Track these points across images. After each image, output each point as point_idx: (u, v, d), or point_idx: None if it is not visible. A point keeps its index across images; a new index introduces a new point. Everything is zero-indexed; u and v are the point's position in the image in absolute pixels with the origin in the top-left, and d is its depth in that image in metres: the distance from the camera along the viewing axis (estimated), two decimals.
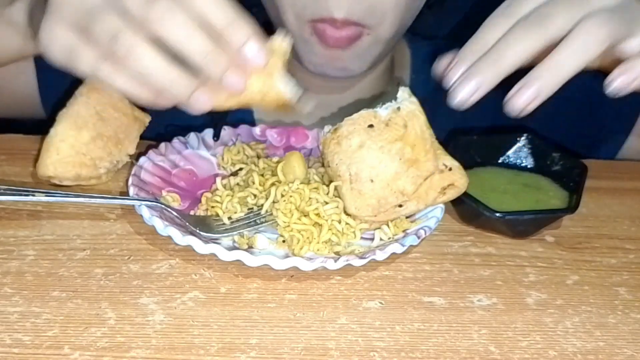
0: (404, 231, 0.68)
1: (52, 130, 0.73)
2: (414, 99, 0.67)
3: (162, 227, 0.64)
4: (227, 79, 0.57)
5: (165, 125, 0.86)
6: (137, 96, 0.58)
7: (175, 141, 0.80)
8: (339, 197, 0.68)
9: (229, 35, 0.56)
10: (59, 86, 0.80)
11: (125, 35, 0.54)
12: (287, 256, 0.64)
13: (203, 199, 0.72)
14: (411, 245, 0.66)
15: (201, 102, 0.58)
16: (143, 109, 0.78)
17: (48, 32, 0.58)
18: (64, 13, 0.57)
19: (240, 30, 0.56)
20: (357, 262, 0.63)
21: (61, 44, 0.58)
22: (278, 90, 0.61)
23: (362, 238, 0.68)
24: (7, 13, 0.71)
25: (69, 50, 0.58)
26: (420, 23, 1.00)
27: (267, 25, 0.79)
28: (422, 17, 0.97)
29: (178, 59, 0.56)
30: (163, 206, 0.68)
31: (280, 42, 0.60)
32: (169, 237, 0.64)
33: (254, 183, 0.70)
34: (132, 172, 0.73)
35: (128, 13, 0.54)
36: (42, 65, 0.90)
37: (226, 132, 0.83)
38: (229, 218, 0.69)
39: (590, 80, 0.61)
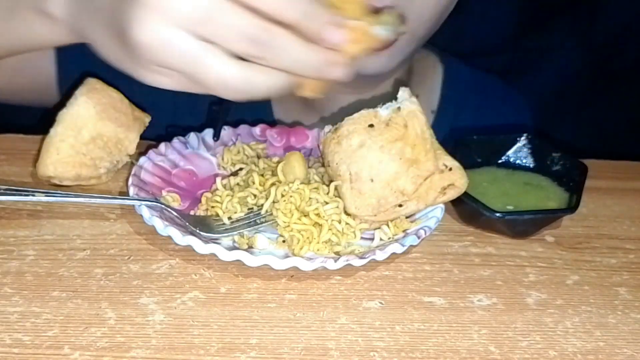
0: (404, 231, 0.68)
1: (52, 130, 0.73)
2: (414, 99, 0.67)
3: (162, 227, 0.64)
4: (328, 75, 0.57)
5: (166, 125, 0.86)
6: (283, 87, 0.57)
7: (175, 141, 0.80)
8: (339, 196, 0.68)
9: (304, 29, 0.55)
10: (77, 70, 0.79)
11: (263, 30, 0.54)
12: (287, 256, 0.64)
13: (203, 199, 0.72)
14: (411, 245, 0.66)
15: (337, 72, 0.58)
16: (143, 109, 0.78)
17: (150, 74, 0.58)
18: (158, 61, 0.56)
19: (314, 20, 0.55)
20: (357, 262, 0.63)
21: (173, 84, 0.58)
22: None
23: (362, 238, 0.68)
24: (43, 4, 0.65)
25: (185, 85, 0.57)
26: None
27: None
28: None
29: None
30: (163, 206, 0.68)
31: None
32: (169, 237, 0.64)
33: (254, 183, 0.70)
34: (132, 172, 0.73)
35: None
36: (62, 51, 0.89)
37: (226, 132, 0.83)
38: (229, 218, 0.69)
39: None
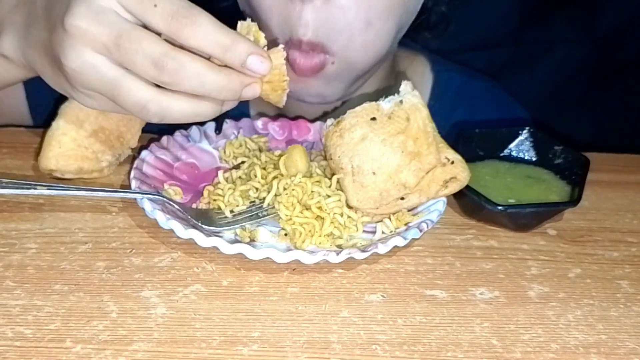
0: (406, 224, 0.68)
1: (54, 124, 0.73)
2: (416, 93, 0.67)
3: (164, 221, 0.64)
4: (245, 94, 0.62)
5: None
6: (202, 114, 0.62)
7: (177, 134, 0.80)
8: (341, 190, 0.68)
9: (230, 59, 0.59)
10: (49, 100, 0.80)
11: (168, 57, 0.58)
12: (289, 249, 0.64)
13: (205, 192, 0.72)
14: (413, 239, 0.66)
15: (253, 89, 0.62)
16: None
17: (83, 96, 0.63)
18: (86, 85, 0.61)
19: (237, 51, 0.59)
20: (359, 255, 0.63)
21: (102, 104, 0.63)
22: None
23: (364, 231, 0.68)
24: None
25: (114, 106, 0.62)
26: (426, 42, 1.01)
27: None
28: (424, 38, 0.97)
29: None
30: (165, 199, 0.68)
31: (247, 25, 0.63)
32: (171, 231, 0.64)
33: (256, 176, 0.70)
34: (134, 166, 0.73)
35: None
36: (32, 86, 0.91)
37: (228, 125, 0.83)
38: (231, 211, 0.69)
39: None
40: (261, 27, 0.63)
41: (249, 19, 0.63)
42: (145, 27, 0.59)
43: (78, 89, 0.62)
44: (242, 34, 0.61)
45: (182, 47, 0.59)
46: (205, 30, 0.58)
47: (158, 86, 0.59)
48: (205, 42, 0.58)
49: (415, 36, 0.94)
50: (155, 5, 0.57)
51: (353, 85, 0.86)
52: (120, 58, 0.58)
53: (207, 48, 0.59)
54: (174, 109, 0.60)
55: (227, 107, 0.63)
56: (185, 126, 0.81)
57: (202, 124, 0.82)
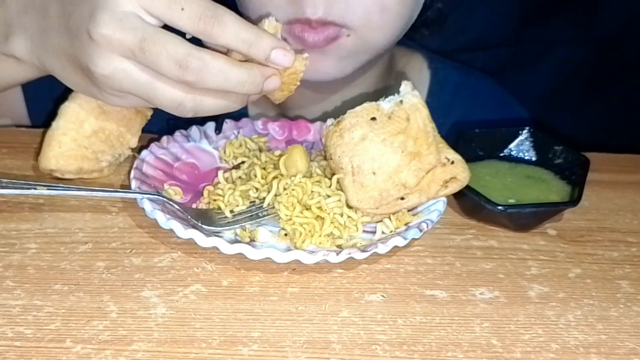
0: (406, 224, 0.68)
1: (54, 124, 0.73)
2: (416, 93, 0.67)
3: (164, 221, 0.64)
4: (266, 87, 0.64)
5: (167, 118, 0.86)
6: (231, 106, 0.65)
7: (177, 134, 0.80)
8: (341, 189, 0.68)
9: (255, 54, 0.62)
10: (48, 100, 0.80)
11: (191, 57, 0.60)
12: (289, 249, 0.64)
13: (205, 192, 0.72)
14: (413, 239, 0.66)
15: (274, 82, 0.65)
16: None
17: (113, 97, 0.65)
18: (118, 88, 0.62)
19: (260, 46, 0.62)
20: (359, 255, 0.63)
21: (134, 102, 0.65)
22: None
23: (364, 231, 0.68)
24: (6, 48, 0.70)
25: (144, 103, 0.65)
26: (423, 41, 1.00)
27: None
28: (423, 36, 0.97)
29: None
30: (165, 199, 0.68)
31: (269, 23, 0.65)
32: (171, 231, 0.64)
33: (256, 176, 0.70)
34: (134, 166, 0.73)
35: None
36: (30, 86, 0.91)
37: (228, 125, 0.83)
38: (231, 211, 0.69)
39: None
40: (258, 7, 0.65)
41: (272, 18, 0.66)
42: (167, 28, 0.60)
43: (108, 93, 0.64)
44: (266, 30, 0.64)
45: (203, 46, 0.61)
46: (231, 28, 0.60)
47: None
48: (232, 40, 0.61)
49: (414, 34, 0.94)
50: (183, 9, 0.59)
51: (361, 66, 0.85)
52: (146, 61, 0.59)
53: (233, 45, 0.61)
54: (207, 103, 0.63)
55: (253, 98, 0.66)
56: (185, 126, 0.81)
57: (202, 124, 0.82)
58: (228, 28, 0.60)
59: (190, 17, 0.59)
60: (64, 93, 0.73)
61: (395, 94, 0.67)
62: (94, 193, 0.69)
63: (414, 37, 0.98)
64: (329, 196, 0.67)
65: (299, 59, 0.65)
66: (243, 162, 0.75)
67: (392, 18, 0.80)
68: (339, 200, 0.67)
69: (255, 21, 0.66)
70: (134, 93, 0.63)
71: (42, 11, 0.67)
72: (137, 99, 0.64)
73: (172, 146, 0.78)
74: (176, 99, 0.62)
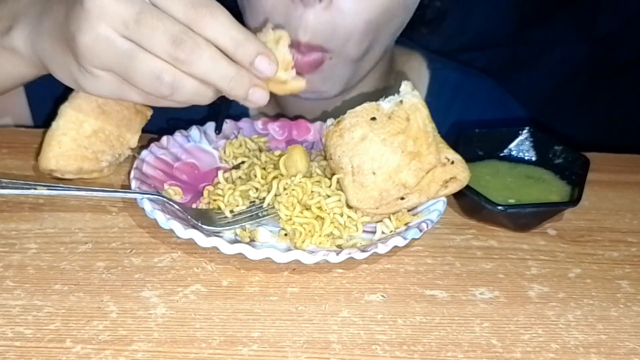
0: (406, 224, 0.68)
1: (54, 124, 0.73)
2: (416, 93, 0.67)
3: (164, 221, 0.64)
4: (251, 96, 0.63)
5: (167, 118, 0.86)
6: (206, 96, 0.63)
7: (177, 134, 0.80)
8: (341, 189, 0.68)
9: (241, 55, 0.61)
10: (49, 100, 0.80)
11: (168, 73, 0.60)
12: (289, 249, 0.64)
13: (205, 192, 0.72)
14: (413, 239, 0.66)
15: (260, 94, 0.64)
16: None
17: (89, 76, 0.64)
18: (97, 61, 0.62)
19: (248, 48, 0.61)
20: (359, 255, 0.63)
21: (106, 87, 0.64)
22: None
23: (364, 231, 0.68)
24: (7, 40, 0.71)
25: (118, 90, 0.64)
26: (421, 40, 1.00)
27: None
28: (421, 35, 0.97)
29: None
30: (165, 199, 0.68)
31: (279, 36, 0.65)
32: (171, 231, 0.64)
33: (256, 176, 0.70)
34: (134, 166, 0.73)
35: (157, 55, 0.60)
36: (32, 86, 0.91)
37: (228, 125, 0.83)
38: (231, 211, 0.69)
39: None
40: (259, 27, 0.64)
41: (281, 30, 0.65)
42: None
43: (86, 69, 0.63)
44: (262, 39, 0.64)
45: None
46: (222, 23, 0.60)
47: None
48: (220, 35, 0.60)
49: (412, 34, 0.94)
50: None
51: (350, 82, 0.86)
52: (137, 33, 0.59)
53: (221, 40, 0.60)
54: (186, 84, 0.61)
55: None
56: (185, 126, 0.81)
57: (202, 123, 0.82)
58: (219, 22, 0.60)
59: (183, 2, 0.59)
60: (64, 93, 0.73)
61: (395, 94, 0.67)
62: (94, 193, 0.69)
63: (413, 37, 0.98)
64: (329, 196, 0.67)
65: (299, 79, 0.65)
66: (243, 162, 0.75)
67: (371, 31, 0.79)
68: (339, 200, 0.67)
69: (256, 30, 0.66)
70: (111, 65, 0.61)
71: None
72: (112, 82, 0.63)
73: (172, 146, 0.78)
74: (156, 70, 0.60)
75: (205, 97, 0.63)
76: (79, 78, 0.65)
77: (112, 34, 0.60)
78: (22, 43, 0.70)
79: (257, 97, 0.63)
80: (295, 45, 0.76)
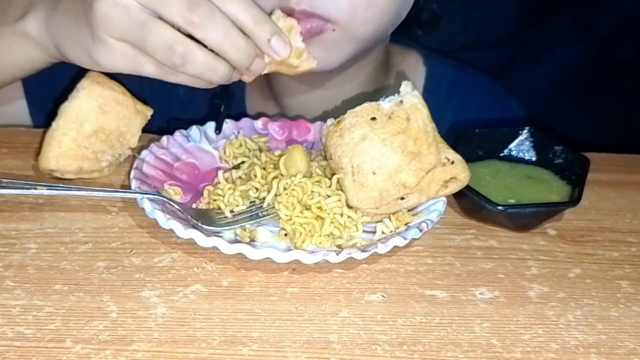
0: (406, 224, 0.68)
1: (54, 124, 0.73)
2: (416, 93, 0.67)
3: (164, 221, 0.64)
4: (253, 66, 0.66)
5: (167, 118, 0.86)
6: (216, 72, 0.65)
7: (177, 134, 0.80)
8: (341, 189, 0.68)
9: (258, 32, 0.64)
10: (49, 100, 0.80)
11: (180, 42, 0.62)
12: (289, 249, 0.64)
13: (205, 192, 0.72)
14: (413, 239, 0.66)
15: (259, 64, 0.67)
16: (145, 102, 0.78)
17: (103, 48, 0.65)
18: (113, 30, 0.63)
19: (266, 27, 0.64)
20: (359, 255, 0.63)
21: (120, 59, 0.65)
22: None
23: (364, 231, 0.68)
24: (21, 25, 0.71)
25: (131, 62, 0.65)
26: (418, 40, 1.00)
27: None
28: (418, 36, 0.97)
29: None
30: (165, 199, 0.68)
31: (290, 24, 0.68)
32: (171, 231, 0.64)
33: (256, 176, 0.70)
34: (134, 166, 0.73)
35: (172, 20, 0.62)
36: (31, 86, 0.92)
37: (228, 125, 0.83)
38: (231, 211, 0.69)
39: None
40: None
41: (289, 18, 0.68)
42: None
43: (101, 39, 0.64)
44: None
45: None
46: (244, 1, 0.63)
47: None
48: (240, 11, 0.63)
49: (408, 34, 0.94)
50: None
51: (349, 61, 0.84)
52: (153, 3, 0.61)
53: (241, 16, 0.63)
54: (197, 56, 0.63)
55: (235, 77, 0.67)
56: (185, 126, 0.81)
57: (202, 123, 0.82)
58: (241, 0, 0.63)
59: None
60: (64, 93, 0.73)
61: (395, 94, 0.67)
62: (94, 193, 0.69)
63: (411, 37, 0.98)
64: (329, 196, 0.67)
65: (309, 59, 0.69)
66: (243, 162, 0.75)
67: (379, 13, 0.79)
68: (339, 200, 0.67)
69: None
70: (126, 34, 0.63)
71: None
72: (125, 54, 0.64)
73: (172, 146, 0.78)
74: (168, 40, 0.62)
75: (216, 72, 0.64)
76: (93, 51, 0.66)
77: (128, 2, 0.61)
78: (36, 27, 0.71)
79: (257, 67, 0.66)
80: (287, 11, 0.73)
